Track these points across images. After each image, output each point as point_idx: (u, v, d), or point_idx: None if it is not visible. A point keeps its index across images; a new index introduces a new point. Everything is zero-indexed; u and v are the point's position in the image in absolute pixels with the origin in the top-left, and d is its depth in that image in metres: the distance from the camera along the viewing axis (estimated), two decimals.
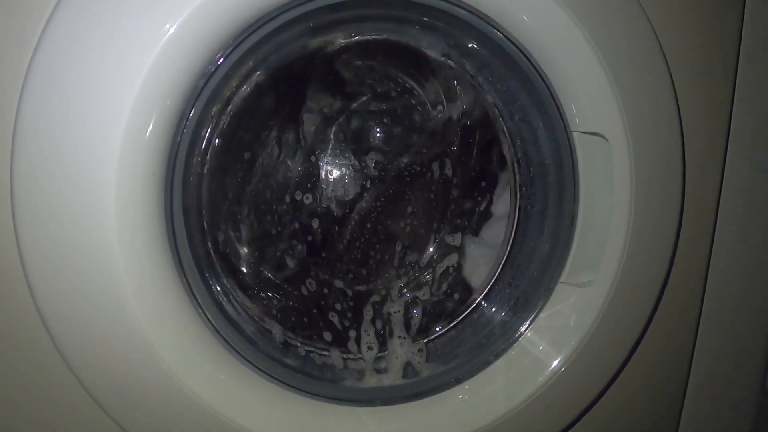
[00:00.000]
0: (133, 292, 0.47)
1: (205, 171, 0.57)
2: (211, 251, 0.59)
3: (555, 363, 0.57)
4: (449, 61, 0.61)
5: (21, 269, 0.47)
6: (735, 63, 0.60)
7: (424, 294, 0.65)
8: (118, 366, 0.48)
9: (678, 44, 0.57)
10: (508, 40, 0.54)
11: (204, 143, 0.56)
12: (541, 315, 0.59)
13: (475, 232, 0.69)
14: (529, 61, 0.55)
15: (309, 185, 0.63)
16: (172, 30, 0.45)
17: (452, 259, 0.66)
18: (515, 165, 0.64)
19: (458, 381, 0.58)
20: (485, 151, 0.67)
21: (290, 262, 0.64)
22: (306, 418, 0.54)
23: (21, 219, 0.46)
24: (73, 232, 0.46)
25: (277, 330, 0.61)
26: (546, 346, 0.58)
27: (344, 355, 0.63)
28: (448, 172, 0.66)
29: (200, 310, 0.52)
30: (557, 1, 0.51)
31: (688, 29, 0.58)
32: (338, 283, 0.65)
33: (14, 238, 0.46)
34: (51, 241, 0.46)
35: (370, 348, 0.62)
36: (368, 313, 0.64)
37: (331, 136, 0.64)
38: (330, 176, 0.64)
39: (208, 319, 0.53)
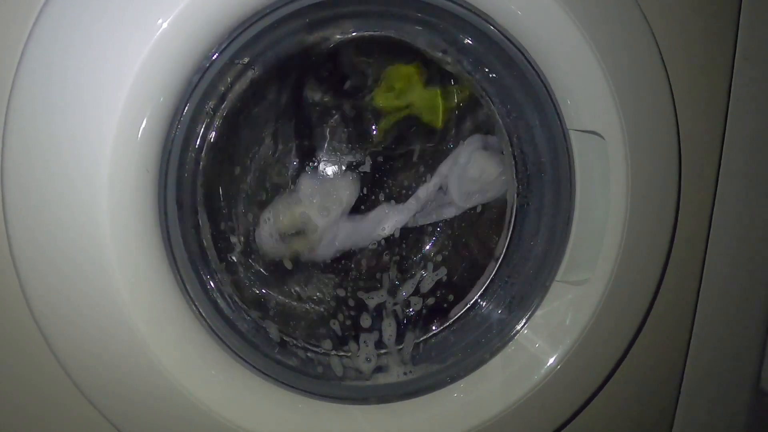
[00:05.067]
0: (127, 288, 0.47)
1: (200, 167, 0.56)
2: (206, 248, 0.59)
3: (551, 360, 0.57)
4: (446, 58, 0.61)
5: (12, 266, 0.46)
6: (731, 62, 0.60)
7: (416, 304, 0.65)
8: (111, 363, 0.48)
9: (674, 42, 0.57)
10: (505, 37, 0.54)
11: (199, 139, 0.56)
12: (537, 313, 0.59)
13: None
14: (526, 58, 0.55)
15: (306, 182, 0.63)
16: (164, 26, 0.44)
17: (442, 272, 0.66)
18: (512, 162, 0.64)
19: (454, 379, 0.58)
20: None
21: (286, 263, 0.63)
22: (301, 417, 0.54)
23: (12, 215, 0.45)
24: (65, 228, 0.45)
25: (273, 329, 0.61)
26: (542, 344, 0.58)
27: (341, 353, 0.63)
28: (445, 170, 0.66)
29: (194, 307, 0.52)
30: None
31: (684, 27, 0.58)
32: (340, 292, 0.65)
33: (5, 234, 0.46)
34: (43, 237, 0.45)
35: (368, 360, 0.62)
36: (366, 321, 0.63)
37: (327, 133, 0.64)
38: (326, 174, 0.64)
39: (202, 317, 0.53)
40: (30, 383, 0.51)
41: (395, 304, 0.65)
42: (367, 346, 0.62)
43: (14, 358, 0.50)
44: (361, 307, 0.65)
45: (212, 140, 0.57)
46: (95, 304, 0.47)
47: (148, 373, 0.48)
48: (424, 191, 0.65)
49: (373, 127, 0.65)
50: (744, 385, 0.69)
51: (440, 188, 0.66)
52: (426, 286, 0.66)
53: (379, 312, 0.64)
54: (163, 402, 0.49)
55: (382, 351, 0.63)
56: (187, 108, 0.51)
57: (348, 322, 0.64)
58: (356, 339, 0.63)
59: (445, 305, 0.67)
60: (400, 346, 0.64)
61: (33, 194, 0.45)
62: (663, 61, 0.56)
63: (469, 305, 0.67)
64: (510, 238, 0.66)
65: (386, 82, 0.64)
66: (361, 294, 0.65)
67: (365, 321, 0.63)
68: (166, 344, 0.49)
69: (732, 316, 0.68)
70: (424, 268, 0.67)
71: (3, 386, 0.51)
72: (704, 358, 0.67)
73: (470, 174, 0.64)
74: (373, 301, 0.65)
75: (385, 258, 0.66)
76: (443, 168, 0.65)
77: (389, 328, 0.63)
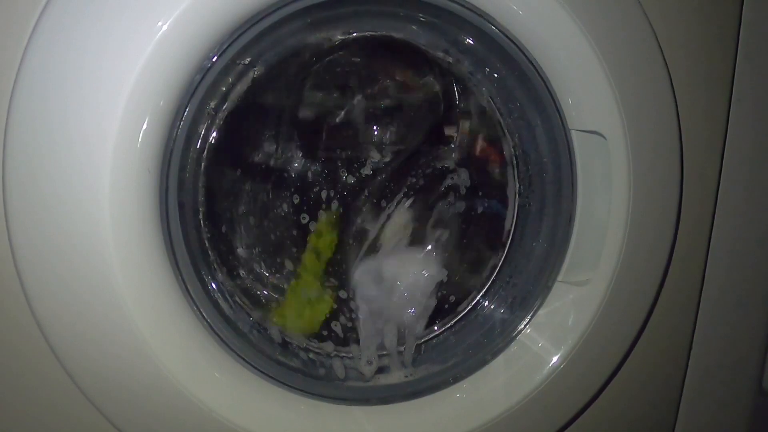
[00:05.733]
0: (128, 290, 0.46)
1: (201, 168, 0.56)
2: (207, 248, 0.59)
3: (554, 360, 0.57)
4: (447, 58, 0.60)
5: (14, 266, 0.46)
6: (733, 62, 0.60)
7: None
8: (112, 364, 0.48)
9: (676, 43, 0.57)
10: (506, 37, 0.54)
11: (200, 140, 0.56)
12: (540, 313, 0.59)
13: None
14: (527, 58, 0.55)
15: (306, 183, 0.63)
16: (165, 27, 0.44)
17: (442, 274, 0.66)
18: (513, 163, 0.64)
19: (456, 379, 0.58)
20: (484, 149, 0.67)
21: (288, 264, 0.63)
22: (302, 417, 0.54)
23: (13, 215, 0.45)
24: (66, 229, 0.45)
25: (274, 330, 0.61)
26: (545, 344, 0.58)
27: (342, 354, 0.63)
28: (446, 170, 0.66)
29: (195, 308, 0.52)
30: None
31: (686, 28, 0.58)
32: (342, 294, 0.64)
33: (6, 234, 0.46)
34: (44, 237, 0.45)
35: (369, 363, 0.62)
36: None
37: (329, 133, 0.64)
38: (327, 173, 0.63)
39: (204, 317, 0.53)
40: (32, 386, 0.51)
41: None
42: (369, 349, 0.62)
43: (16, 361, 0.50)
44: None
45: (214, 141, 0.57)
46: (97, 306, 0.47)
47: (149, 375, 0.48)
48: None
49: (374, 126, 0.65)
50: (746, 384, 0.69)
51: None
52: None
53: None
54: (165, 403, 0.49)
55: (383, 352, 0.63)
56: (188, 109, 0.51)
57: (350, 324, 0.64)
58: (358, 341, 0.63)
59: (447, 306, 0.66)
60: (402, 348, 0.64)
61: (34, 196, 0.45)
62: (665, 61, 0.56)
63: (471, 305, 0.67)
64: (512, 238, 0.66)
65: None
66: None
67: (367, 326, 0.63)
68: (168, 345, 0.49)
69: (734, 316, 0.67)
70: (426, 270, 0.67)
71: (5, 390, 0.51)
72: (707, 359, 0.67)
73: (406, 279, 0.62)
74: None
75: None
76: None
77: (390, 334, 0.63)
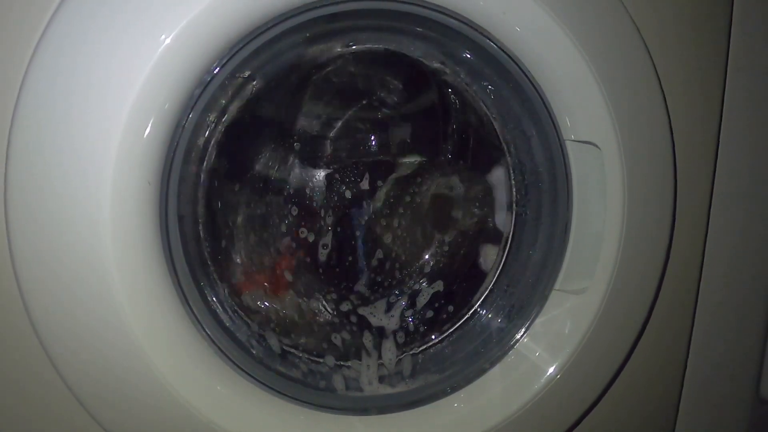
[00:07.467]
0: (127, 299, 0.47)
1: (201, 180, 0.57)
2: (207, 260, 0.59)
3: (551, 369, 0.57)
4: (444, 69, 0.61)
5: (13, 274, 0.46)
6: (724, 72, 0.61)
7: (415, 319, 0.65)
8: (110, 374, 0.48)
9: (668, 54, 0.58)
10: (502, 50, 0.55)
11: (200, 152, 0.56)
12: (537, 322, 0.59)
13: None
14: (522, 71, 0.56)
15: (305, 195, 0.63)
16: (167, 41, 0.45)
17: (439, 285, 0.66)
18: (510, 173, 0.65)
19: (454, 389, 0.58)
20: (481, 160, 0.67)
21: (287, 276, 0.63)
22: (301, 428, 0.54)
23: (14, 225, 0.46)
24: (67, 240, 0.46)
25: (273, 340, 0.61)
26: (542, 353, 0.58)
27: (341, 363, 0.63)
28: (445, 181, 0.67)
29: (195, 319, 0.52)
30: (549, 13, 0.51)
31: (677, 40, 0.59)
32: (343, 306, 0.65)
33: (7, 243, 0.46)
34: (45, 247, 0.46)
35: (369, 383, 0.62)
36: (368, 341, 0.63)
37: (328, 146, 0.64)
38: (325, 186, 0.64)
39: (203, 328, 0.53)
40: (29, 395, 0.51)
41: (395, 323, 0.65)
42: (369, 369, 0.62)
43: (12, 368, 0.50)
44: (362, 322, 0.65)
45: (213, 153, 0.57)
46: (96, 316, 0.47)
47: (148, 385, 0.48)
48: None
49: (372, 138, 0.65)
50: (744, 392, 0.69)
51: None
52: (423, 300, 0.66)
53: (379, 331, 0.64)
54: (162, 412, 0.49)
55: (380, 362, 0.63)
56: (188, 121, 0.51)
57: (348, 337, 0.64)
58: (357, 353, 0.63)
59: (445, 316, 0.67)
60: (400, 357, 0.64)
61: (36, 206, 0.45)
62: (657, 72, 0.57)
63: (468, 315, 0.67)
64: (509, 247, 0.66)
65: None
66: (361, 310, 0.65)
67: (367, 341, 0.63)
68: (166, 355, 0.49)
69: (731, 323, 0.68)
70: (423, 281, 0.67)
71: (1, 397, 0.51)
72: (704, 366, 0.67)
73: None
74: (374, 318, 0.65)
75: (385, 277, 0.66)
76: None
77: (389, 352, 0.63)
